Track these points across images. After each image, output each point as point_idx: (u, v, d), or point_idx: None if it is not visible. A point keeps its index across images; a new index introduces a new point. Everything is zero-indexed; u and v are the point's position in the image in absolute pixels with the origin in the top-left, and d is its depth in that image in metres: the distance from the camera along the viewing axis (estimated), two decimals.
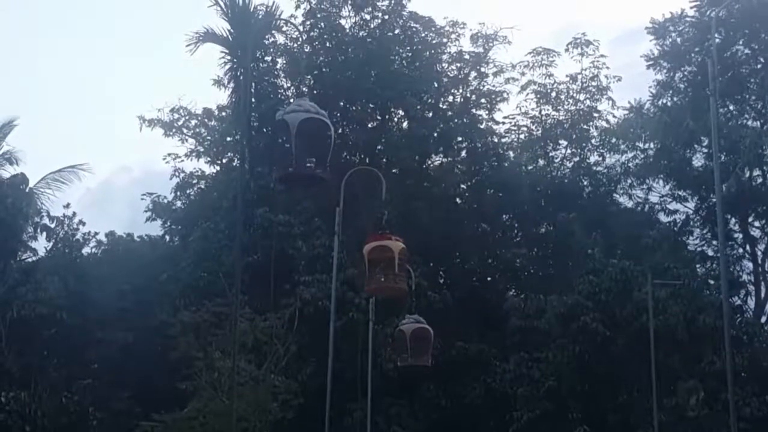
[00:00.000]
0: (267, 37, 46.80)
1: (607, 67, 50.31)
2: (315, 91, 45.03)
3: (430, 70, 49.29)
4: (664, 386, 34.63)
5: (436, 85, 49.70)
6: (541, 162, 50.80)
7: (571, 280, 40.84)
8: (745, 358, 37.09)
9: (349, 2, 48.73)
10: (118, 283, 42.28)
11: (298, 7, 48.15)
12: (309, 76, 46.93)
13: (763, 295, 45.57)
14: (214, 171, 49.89)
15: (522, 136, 51.52)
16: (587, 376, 38.43)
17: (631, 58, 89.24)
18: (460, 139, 49.67)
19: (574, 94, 50.59)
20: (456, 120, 49.47)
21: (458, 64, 50.72)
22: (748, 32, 46.09)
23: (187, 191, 49.90)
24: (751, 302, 45.46)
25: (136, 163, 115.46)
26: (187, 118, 50.05)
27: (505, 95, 50.58)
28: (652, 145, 47.66)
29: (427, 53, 49.64)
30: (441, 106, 50.18)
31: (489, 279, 48.56)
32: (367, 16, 48.96)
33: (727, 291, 24.90)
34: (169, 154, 49.96)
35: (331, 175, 13.03)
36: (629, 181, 49.15)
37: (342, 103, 47.69)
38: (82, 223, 46.01)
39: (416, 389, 40.36)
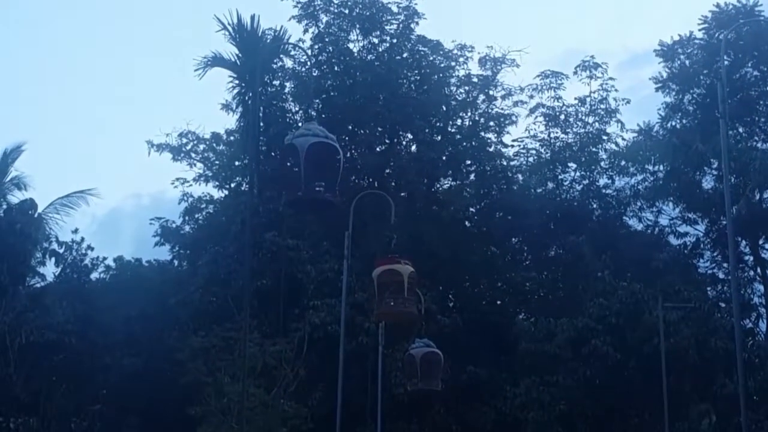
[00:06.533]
0: (275, 61, 46.85)
1: (616, 90, 50.38)
2: (323, 115, 45.09)
3: (439, 93, 49.22)
4: (676, 410, 34.42)
5: (444, 108, 49.67)
6: (550, 185, 50.65)
7: (581, 303, 40.66)
8: (757, 381, 36.81)
9: (358, 26, 48.79)
10: (126, 308, 42.14)
11: (306, 31, 48.32)
12: (317, 100, 47.00)
13: None
14: (223, 195, 49.83)
15: (531, 159, 51.42)
16: (598, 400, 38.21)
17: (639, 81, 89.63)
18: (468, 162, 49.64)
19: (583, 117, 50.56)
20: (464, 143, 49.43)
21: (466, 88, 50.70)
22: (757, 54, 46.06)
23: (196, 216, 49.80)
24: (763, 325, 45.27)
25: (146, 190, 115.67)
26: (195, 142, 50.06)
27: (513, 118, 50.62)
28: (661, 168, 47.55)
29: (436, 77, 49.61)
30: (449, 129, 50.14)
31: (498, 303, 48.34)
32: (376, 40, 49.01)
33: (739, 314, 24.71)
34: (178, 179, 49.92)
35: (341, 199, 12.93)
36: (639, 203, 49.00)
37: (350, 127, 47.68)
38: (90, 248, 45.86)
39: (426, 414, 40.13)
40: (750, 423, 31.41)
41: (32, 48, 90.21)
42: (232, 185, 49.74)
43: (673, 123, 47.83)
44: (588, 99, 50.27)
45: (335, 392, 24.94)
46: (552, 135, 50.80)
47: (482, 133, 50.27)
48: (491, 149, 49.99)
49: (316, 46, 48.29)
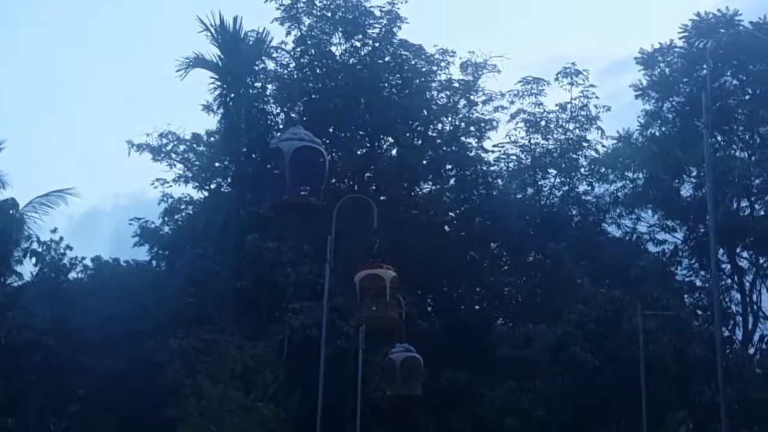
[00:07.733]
0: (257, 63, 46.56)
1: (597, 97, 50.53)
2: (304, 118, 44.90)
3: (420, 97, 49.27)
4: (654, 417, 34.51)
5: (425, 112, 49.69)
6: (530, 191, 50.78)
7: (559, 309, 40.71)
8: (734, 389, 36.93)
9: (340, 29, 48.79)
10: (104, 308, 41.86)
11: (288, 33, 48.27)
12: (299, 103, 46.93)
13: (750, 326, 45.57)
14: (203, 197, 49.62)
15: (511, 165, 51.50)
16: (576, 407, 38.27)
17: (619, 88, 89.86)
18: (449, 167, 49.67)
19: (564, 123, 50.67)
20: (445, 148, 49.47)
21: (448, 92, 50.75)
22: (737, 63, 46.24)
23: (175, 217, 49.55)
24: (739, 333, 45.46)
25: (125, 190, 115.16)
26: (175, 143, 49.71)
27: (494, 123, 50.67)
28: (640, 175, 47.71)
29: (417, 81, 49.65)
30: (430, 133, 50.16)
31: (477, 307, 48.41)
32: (358, 44, 49.03)
33: (719, 322, 24.82)
34: (157, 179, 49.63)
35: (325, 203, 12.93)
36: (618, 210, 49.13)
37: (331, 130, 47.62)
38: (69, 248, 45.44)
39: (405, 418, 40.08)
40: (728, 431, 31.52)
41: (11, 45, 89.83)
42: (212, 186, 49.52)
43: (653, 131, 47.97)
44: (569, 105, 50.44)
45: (314, 396, 24.93)
46: (532, 141, 50.93)
47: (463, 138, 50.30)
48: (472, 154, 50.02)
49: (299, 49, 48.28)
